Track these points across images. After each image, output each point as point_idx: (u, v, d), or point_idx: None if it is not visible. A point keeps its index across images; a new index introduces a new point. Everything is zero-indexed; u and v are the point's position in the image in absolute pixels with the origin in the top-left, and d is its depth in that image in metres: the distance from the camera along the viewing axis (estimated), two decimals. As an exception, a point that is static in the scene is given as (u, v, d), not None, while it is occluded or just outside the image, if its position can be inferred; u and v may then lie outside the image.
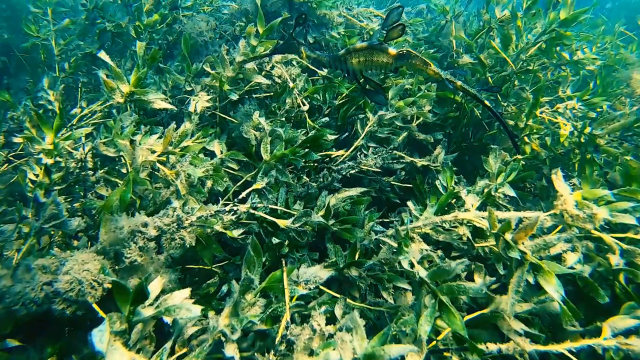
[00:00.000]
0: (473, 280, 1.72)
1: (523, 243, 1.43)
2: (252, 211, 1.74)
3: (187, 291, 1.16)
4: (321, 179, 2.60)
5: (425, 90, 3.14)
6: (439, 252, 1.66)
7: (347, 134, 2.95)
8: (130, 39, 3.45)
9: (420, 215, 1.99)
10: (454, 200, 2.25)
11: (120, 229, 1.37)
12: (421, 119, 3.04)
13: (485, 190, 2.17)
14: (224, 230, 1.65)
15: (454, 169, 2.85)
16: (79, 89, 3.13)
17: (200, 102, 2.55)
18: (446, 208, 2.21)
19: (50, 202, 1.62)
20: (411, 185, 2.86)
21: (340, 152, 2.84)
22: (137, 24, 3.38)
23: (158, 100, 2.05)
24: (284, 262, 1.50)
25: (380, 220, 2.57)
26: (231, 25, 3.42)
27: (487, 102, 2.22)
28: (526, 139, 3.20)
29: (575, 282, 1.64)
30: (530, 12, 3.29)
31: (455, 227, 2.07)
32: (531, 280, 1.38)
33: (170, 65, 3.18)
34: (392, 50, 2.12)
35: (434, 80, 3.33)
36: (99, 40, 3.40)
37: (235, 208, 1.63)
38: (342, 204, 2.20)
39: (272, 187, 2.01)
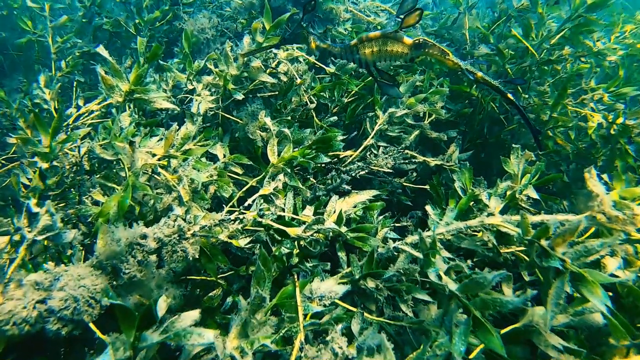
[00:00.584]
0: (499, 291, 1.61)
1: (561, 250, 1.33)
2: (260, 219, 1.64)
3: (196, 313, 1.07)
4: (329, 181, 2.50)
5: (438, 86, 3.04)
6: (469, 262, 1.56)
7: (355, 133, 2.84)
8: (130, 37, 3.36)
9: (440, 220, 1.88)
10: (473, 203, 2.15)
11: (117, 241, 1.28)
12: (433, 116, 2.93)
13: (508, 192, 2.06)
14: (229, 240, 1.55)
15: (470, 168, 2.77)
16: (74, 88, 3.04)
17: (203, 102, 2.45)
18: (465, 212, 2.12)
19: (44, 211, 1.53)
20: (424, 187, 2.77)
21: (349, 152, 2.74)
22: (137, 22, 3.29)
23: (159, 100, 1.96)
24: (295, 276, 1.40)
25: (393, 224, 2.48)
26: (234, 22, 3.32)
27: (509, 95, 2.12)
28: (549, 132, 3.08)
29: (615, 289, 1.53)
30: None
31: (477, 232, 1.97)
32: (568, 290, 1.28)
33: (170, 63, 3.09)
34: (408, 40, 2.01)
35: (453, 71, 3.22)
36: (96, 39, 3.31)
37: (241, 216, 1.54)
38: (354, 209, 2.09)
39: (279, 191, 1.91)
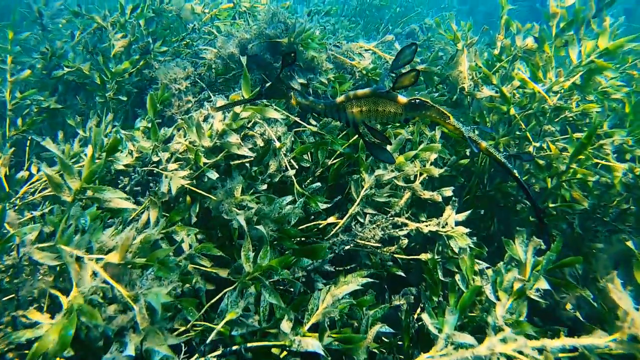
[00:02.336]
0: None
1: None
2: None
3: None
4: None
5: (430, 138, 2.92)
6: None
7: (339, 197, 2.72)
8: (95, 89, 3.25)
9: (440, 331, 1.76)
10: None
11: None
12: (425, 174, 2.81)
13: (516, 285, 1.94)
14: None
15: (468, 230, 2.64)
16: (27, 147, 2.93)
17: (174, 180, 2.33)
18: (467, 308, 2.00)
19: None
20: (417, 257, 2.65)
21: (332, 219, 2.62)
22: (104, 72, 3.19)
23: (116, 199, 1.84)
24: None
25: (383, 312, 2.36)
26: (208, 70, 3.21)
27: (516, 173, 2.01)
28: (564, 185, 2.94)
29: None
30: (559, 38, 3.05)
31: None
32: None
33: (139, 120, 2.98)
34: (402, 99, 1.88)
35: (453, 137, 3.09)
36: (56, 92, 3.21)
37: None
38: (340, 306, 1.97)
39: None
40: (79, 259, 1.62)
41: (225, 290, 1.81)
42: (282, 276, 1.81)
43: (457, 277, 2.04)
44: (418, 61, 3.81)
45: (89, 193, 1.85)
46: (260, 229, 1.91)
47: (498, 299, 1.97)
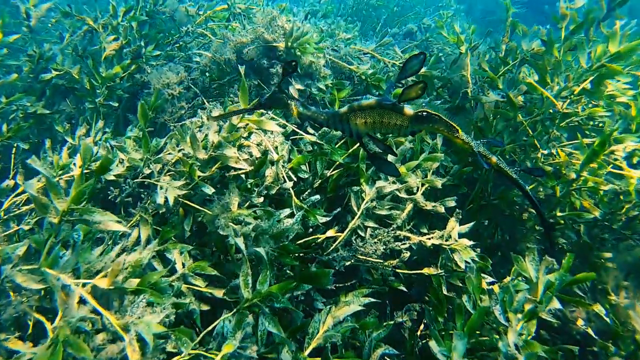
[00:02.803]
0: None
1: None
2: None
3: None
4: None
5: (430, 150, 2.83)
6: None
7: (339, 209, 2.63)
8: (85, 95, 3.14)
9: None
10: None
11: None
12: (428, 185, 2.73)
13: (527, 306, 1.86)
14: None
15: (471, 243, 2.56)
16: (13, 154, 2.83)
17: (171, 191, 2.23)
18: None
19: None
20: (420, 272, 2.57)
21: (331, 232, 2.52)
22: (95, 76, 3.08)
23: (106, 221, 1.74)
24: None
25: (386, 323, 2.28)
26: (202, 74, 3.12)
27: (528, 190, 1.94)
28: (574, 193, 2.87)
29: None
30: (568, 41, 2.96)
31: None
32: None
33: (131, 129, 2.88)
34: (409, 111, 1.79)
35: (462, 151, 3.00)
36: (44, 96, 3.10)
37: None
38: (342, 330, 1.89)
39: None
40: (65, 287, 1.52)
41: (221, 318, 1.72)
42: (282, 304, 1.72)
43: (464, 297, 1.96)
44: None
45: (76, 216, 1.75)
46: (260, 251, 1.82)
47: (508, 320, 1.90)
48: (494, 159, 1.91)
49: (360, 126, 1.87)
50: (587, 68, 2.81)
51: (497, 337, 1.82)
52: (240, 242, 1.86)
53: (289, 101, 1.98)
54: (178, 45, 3.52)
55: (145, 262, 1.70)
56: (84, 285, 1.66)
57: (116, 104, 3.13)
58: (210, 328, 1.70)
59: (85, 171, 1.85)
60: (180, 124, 2.80)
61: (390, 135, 1.91)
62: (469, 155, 1.92)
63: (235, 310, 1.71)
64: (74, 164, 2.55)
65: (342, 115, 1.87)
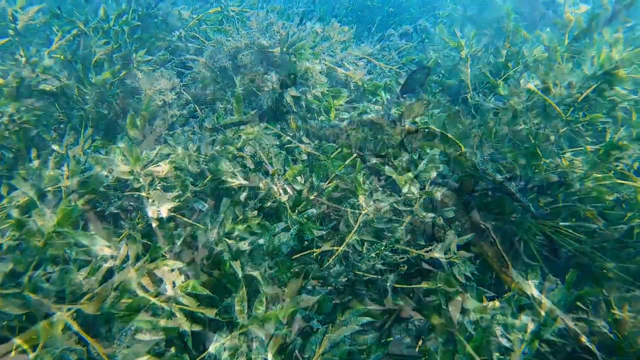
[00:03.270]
0: None
1: None
2: None
3: None
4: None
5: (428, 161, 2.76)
6: None
7: (334, 222, 2.56)
8: (73, 101, 3.06)
9: None
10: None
11: None
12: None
13: (530, 326, 1.81)
14: None
15: (470, 255, 2.50)
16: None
17: (164, 204, 2.16)
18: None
19: None
20: (419, 286, 2.51)
21: (327, 246, 2.46)
22: (83, 82, 3.00)
23: (94, 245, 1.67)
24: None
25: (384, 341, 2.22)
26: (195, 81, 3.04)
27: (532, 208, 1.91)
28: (577, 203, 2.80)
29: None
30: (571, 46, 2.91)
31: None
32: None
33: (121, 137, 2.80)
34: (409, 127, 1.78)
35: (464, 168, 2.96)
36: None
37: None
38: (337, 354, 1.83)
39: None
40: (48, 315, 1.45)
41: (214, 344, 1.65)
42: (281, 332, 1.66)
43: (465, 319, 1.90)
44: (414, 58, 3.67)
45: (61, 240, 1.68)
46: (255, 275, 1.75)
47: (510, 341, 1.85)
48: (499, 177, 1.89)
49: (361, 140, 1.86)
50: (591, 74, 2.75)
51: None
52: (236, 266, 1.79)
53: (288, 114, 1.96)
54: (170, 49, 3.44)
55: (134, 289, 1.63)
56: (68, 309, 1.59)
57: (106, 112, 3.05)
58: (203, 355, 1.64)
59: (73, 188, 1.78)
60: (172, 132, 2.72)
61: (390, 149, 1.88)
62: (473, 169, 1.89)
63: (229, 336, 1.65)
64: (62, 175, 2.47)
65: (342, 128, 1.86)
